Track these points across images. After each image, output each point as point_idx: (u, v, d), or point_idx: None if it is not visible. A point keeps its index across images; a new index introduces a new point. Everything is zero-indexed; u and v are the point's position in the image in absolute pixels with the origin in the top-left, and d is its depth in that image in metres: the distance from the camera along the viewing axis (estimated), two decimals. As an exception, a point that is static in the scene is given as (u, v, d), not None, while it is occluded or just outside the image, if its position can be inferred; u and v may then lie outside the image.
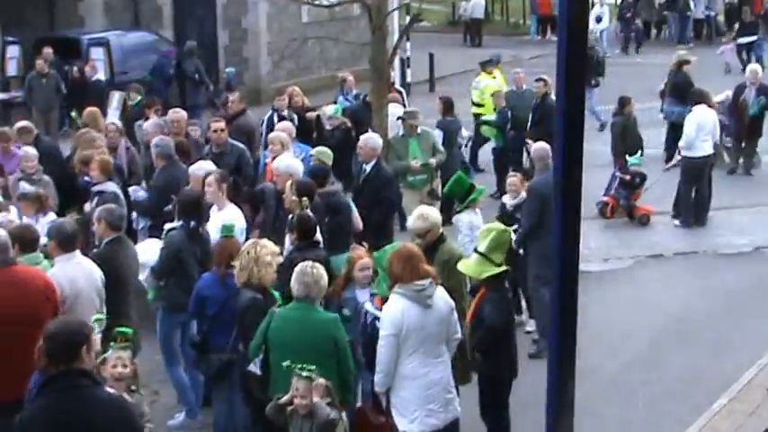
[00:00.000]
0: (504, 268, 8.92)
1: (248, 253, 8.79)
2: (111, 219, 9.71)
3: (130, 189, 12.77)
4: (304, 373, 7.53)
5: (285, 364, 7.75)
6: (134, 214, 12.67)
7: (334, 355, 8.13)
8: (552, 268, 4.47)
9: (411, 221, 9.78)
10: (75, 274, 8.73)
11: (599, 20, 36.27)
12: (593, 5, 36.28)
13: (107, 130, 14.26)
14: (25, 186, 12.20)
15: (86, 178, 12.64)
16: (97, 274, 8.99)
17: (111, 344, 7.42)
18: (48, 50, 23.69)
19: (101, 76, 23.80)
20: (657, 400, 10.81)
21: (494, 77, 20.71)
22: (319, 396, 7.59)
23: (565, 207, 4.43)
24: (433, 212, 9.95)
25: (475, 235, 11.83)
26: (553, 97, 17.95)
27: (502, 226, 9.37)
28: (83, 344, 5.95)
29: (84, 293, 8.73)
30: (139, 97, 18.17)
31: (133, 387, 7.45)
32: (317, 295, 8.23)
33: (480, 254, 8.84)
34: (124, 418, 6.03)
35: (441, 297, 8.19)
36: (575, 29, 4.31)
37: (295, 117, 16.15)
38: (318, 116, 16.28)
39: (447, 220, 14.70)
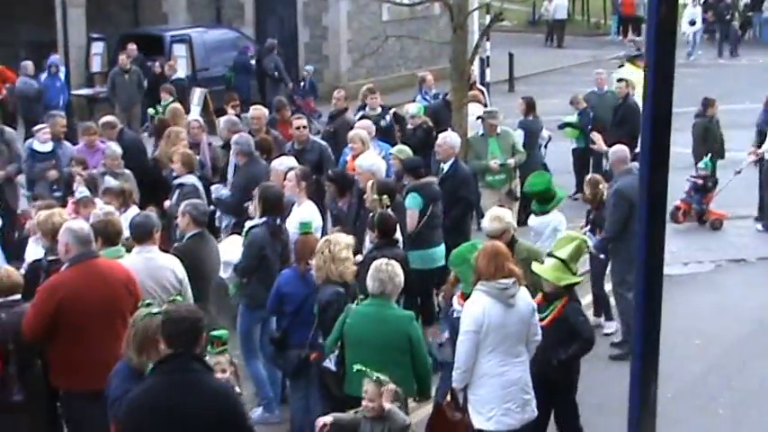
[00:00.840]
0: (581, 278, 8.94)
1: (323, 252, 8.81)
2: (195, 213, 9.80)
3: (213, 187, 12.85)
4: (374, 377, 7.52)
5: (356, 367, 7.74)
6: (217, 212, 12.73)
7: (408, 351, 8.15)
8: (636, 272, 4.43)
9: (486, 223, 9.74)
10: (138, 267, 8.72)
11: (692, 23, 35.88)
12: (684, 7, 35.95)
13: (190, 127, 14.39)
14: (110, 180, 12.36)
15: (172, 174, 12.78)
16: (170, 269, 9.01)
17: (208, 349, 7.45)
18: (131, 47, 24.02)
19: (181, 73, 24.01)
20: (738, 406, 10.67)
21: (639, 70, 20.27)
22: (390, 401, 7.57)
23: (650, 211, 4.38)
24: (507, 214, 9.92)
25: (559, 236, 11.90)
26: (635, 98, 17.81)
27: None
28: (203, 331, 6.33)
29: (146, 286, 8.68)
30: (171, 98, 18.21)
31: (238, 390, 7.49)
32: (391, 292, 8.25)
33: (560, 260, 8.82)
34: (231, 405, 6.31)
35: (523, 298, 8.16)
36: (664, 30, 4.25)
37: (388, 117, 16.18)
38: (399, 114, 16.28)
39: (525, 221, 14.69)
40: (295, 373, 9.31)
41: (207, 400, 6.16)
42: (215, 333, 7.69)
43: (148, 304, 7.22)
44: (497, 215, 9.67)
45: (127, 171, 13.02)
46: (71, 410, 8.20)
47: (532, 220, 12.21)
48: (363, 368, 7.57)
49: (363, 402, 7.56)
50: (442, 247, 11.74)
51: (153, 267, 8.86)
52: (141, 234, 9.04)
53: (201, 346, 6.43)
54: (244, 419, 6.48)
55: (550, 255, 8.93)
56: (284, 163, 11.91)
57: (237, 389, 7.47)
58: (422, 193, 11.52)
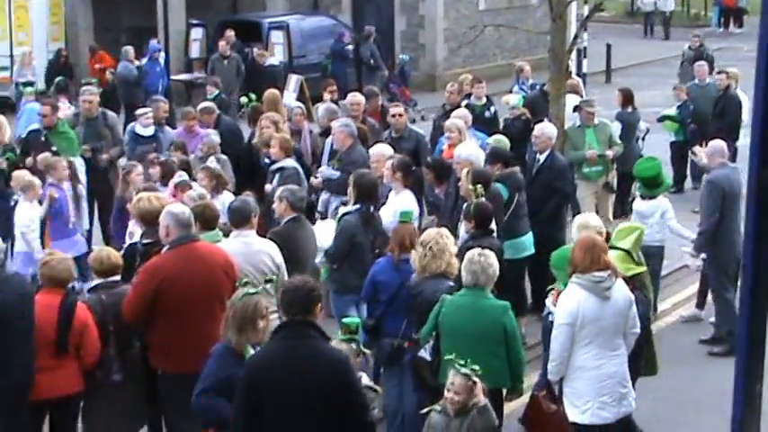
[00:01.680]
0: (644, 268, 8.95)
1: (437, 242, 8.75)
2: (292, 199, 9.86)
3: (321, 168, 12.89)
4: (463, 370, 7.44)
5: (447, 357, 7.73)
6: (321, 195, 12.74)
7: (502, 341, 8.14)
8: (743, 271, 4.36)
9: (574, 233, 9.54)
10: (235, 251, 8.78)
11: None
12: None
13: (292, 114, 14.44)
14: (212, 160, 12.45)
15: (266, 160, 12.86)
16: (267, 254, 9.06)
17: (338, 334, 7.50)
18: (230, 33, 24.23)
19: (274, 61, 24.12)
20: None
21: None
22: (483, 396, 7.51)
23: (759, 209, 4.31)
24: (593, 219, 9.74)
25: (667, 220, 11.97)
26: (736, 90, 17.52)
27: (643, 226, 9.38)
28: (319, 301, 6.57)
29: (244, 270, 8.68)
30: (217, 91, 18.29)
31: (369, 384, 7.52)
32: (485, 282, 8.22)
33: (624, 251, 8.75)
34: (345, 372, 6.53)
35: (620, 290, 8.08)
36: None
37: (493, 108, 16.07)
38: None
39: (621, 214, 14.54)
40: (388, 361, 9.32)
41: (323, 366, 6.42)
42: (346, 320, 7.72)
43: (246, 284, 7.30)
44: (584, 223, 9.40)
45: (223, 157, 13.13)
46: (168, 391, 8.31)
47: (639, 203, 12.27)
48: (455, 359, 7.55)
49: (448, 394, 7.45)
50: (530, 236, 11.71)
51: (250, 252, 8.93)
52: (239, 219, 9.13)
53: (316, 315, 6.60)
54: (357, 389, 6.65)
55: (613, 247, 8.80)
56: (383, 152, 11.93)
57: (366, 380, 7.49)
58: (506, 182, 11.45)
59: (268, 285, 7.89)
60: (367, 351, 7.76)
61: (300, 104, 15.25)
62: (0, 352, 7.78)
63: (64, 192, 12.45)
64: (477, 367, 7.43)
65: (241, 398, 6.48)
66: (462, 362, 7.44)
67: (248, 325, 6.96)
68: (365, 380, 7.54)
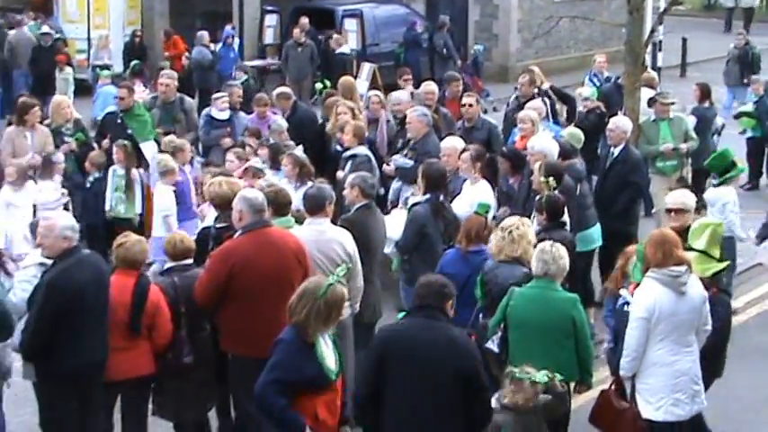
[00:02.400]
0: (727, 263, 8.81)
1: (518, 228, 8.71)
2: (364, 186, 9.84)
3: (395, 156, 12.88)
4: (528, 379, 7.37)
5: (509, 369, 7.64)
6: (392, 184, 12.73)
7: (571, 334, 8.05)
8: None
9: (672, 199, 9.56)
10: (308, 239, 8.80)
11: None
12: None
13: (370, 102, 14.43)
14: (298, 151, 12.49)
15: (338, 147, 12.87)
16: (339, 243, 9.05)
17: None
18: (304, 20, 24.29)
19: (345, 49, 24.14)
20: None
21: None
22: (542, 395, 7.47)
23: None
24: (691, 198, 9.79)
25: (727, 212, 11.80)
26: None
27: (716, 220, 9.24)
28: (451, 297, 7.16)
29: (314, 258, 8.77)
30: (246, 76, 18.27)
31: None
32: (555, 273, 8.14)
33: (699, 251, 8.62)
34: (474, 356, 7.11)
35: (694, 285, 7.99)
36: None
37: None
38: (571, 97, 16.04)
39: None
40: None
41: (454, 347, 6.98)
42: (400, 316, 7.69)
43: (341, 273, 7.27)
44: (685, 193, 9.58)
45: (291, 143, 13.15)
46: (237, 375, 8.37)
47: (708, 192, 12.33)
48: (515, 370, 7.50)
49: (513, 397, 7.41)
50: (598, 228, 11.63)
51: (322, 240, 8.93)
52: (314, 206, 9.12)
53: (448, 310, 7.11)
54: (482, 374, 7.06)
55: (689, 249, 8.66)
56: (455, 142, 11.89)
57: None
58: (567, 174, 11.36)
59: (342, 274, 7.88)
60: None
61: (378, 93, 15.22)
62: (75, 331, 7.87)
63: (186, 174, 12.60)
64: (538, 377, 7.39)
65: (370, 367, 7.10)
66: (527, 372, 7.39)
67: (334, 315, 6.98)
68: None
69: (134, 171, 13.08)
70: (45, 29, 23.14)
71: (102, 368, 8.10)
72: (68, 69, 21.36)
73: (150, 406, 8.72)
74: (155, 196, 12.30)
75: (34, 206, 12.42)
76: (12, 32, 24.00)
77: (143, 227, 12.74)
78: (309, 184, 10.68)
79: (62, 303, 7.80)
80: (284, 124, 13.46)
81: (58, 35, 23.39)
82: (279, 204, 8.97)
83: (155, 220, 12.24)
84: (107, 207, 13.12)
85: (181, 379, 8.47)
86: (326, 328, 6.98)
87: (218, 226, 9.14)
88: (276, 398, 6.81)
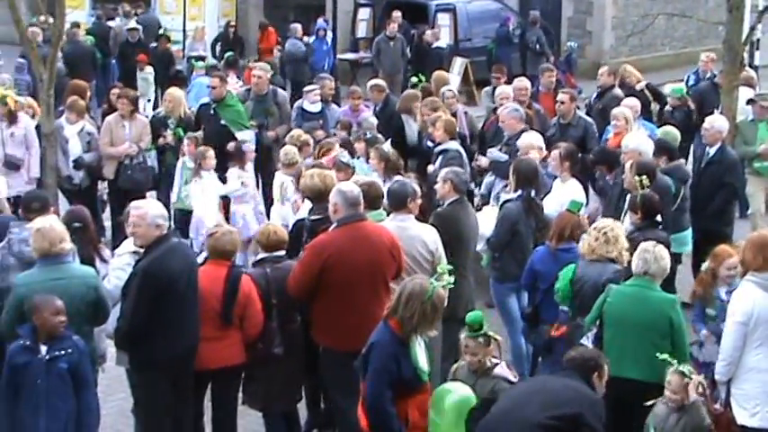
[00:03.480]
0: None
1: (612, 229, 8.67)
2: (457, 180, 9.80)
3: (490, 150, 12.83)
4: (679, 368, 7.39)
5: (662, 357, 7.53)
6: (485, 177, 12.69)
7: (668, 335, 7.97)
8: None
9: None
10: (399, 236, 8.73)
11: None
12: None
13: (444, 97, 14.42)
14: (387, 146, 12.48)
15: (428, 143, 12.84)
16: (421, 240, 9.00)
17: (467, 332, 7.49)
18: (397, 14, 24.30)
19: (442, 43, 24.14)
20: None
21: None
22: (696, 393, 7.41)
23: None
24: None
25: None
26: None
27: None
28: (596, 370, 6.78)
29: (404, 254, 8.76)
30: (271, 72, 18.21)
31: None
32: (655, 273, 8.08)
33: None
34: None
35: None
36: None
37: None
38: (665, 96, 15.84)
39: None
40: (546, 348, 9.25)
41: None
42: (469, 317, 7.67)
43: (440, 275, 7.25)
44: None
45: (380, 137, 13.15)
46: (329, 367, 8.40)
47: None
48: (668, 358, 7.43)
49: (667, 393, 7.44)
50: (690, 232, 11.51)
51: (405, 237, 8.87)
52: (396, 202, 9.12)
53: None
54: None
55: None
56: (536, 141, 11.80)
57: (502, 369, 7.50)
58: (674, 175, 11.21)
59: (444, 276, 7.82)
60: (498, 338, 7.73)
61: (452, 87, 15.17)
62: (168, 319, 7.96)
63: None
64: (690, 368, 7.38)
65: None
66: (675, 360, 7.38)
67: (438, 317, 6.98)
68: (502, 368, 7.54)
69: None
70: (131, 24, 23.34)
71: (192, 356, 8.19)
72: (148, 69, 21.45)
73: (240, 395, 8.80)
74: (275, 182, 12.32)
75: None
76: (114, 22, 24.42)
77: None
78: (397, 178, 10.70)
79: (156, 291, 7.89)
80: (374, 121, 13.47)
81: (161, 30, 23.60)
82: (371, 198, 8.97)
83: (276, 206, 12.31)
84: (173, 198, 13.26)
85: (270, 369, 8.52)
86: (430, 329, 6.98)
87: (312, 218, 9.16)
88: (391, 407, 6.84)
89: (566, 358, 6.87)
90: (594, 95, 15.49)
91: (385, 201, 9.42)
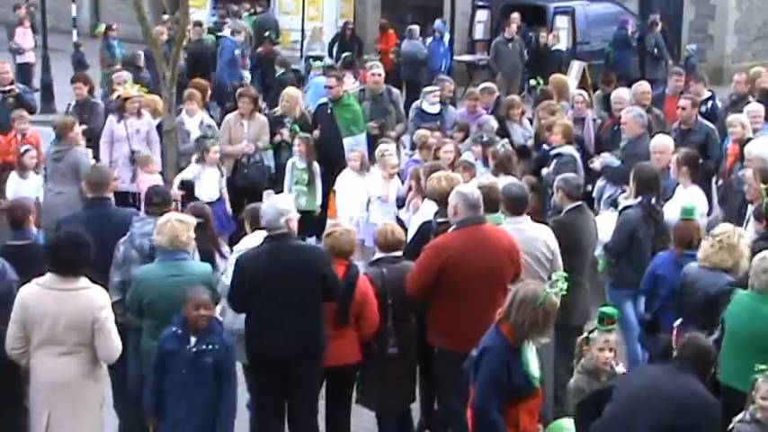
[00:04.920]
0: None
1: (729, 237, 8.47)
2: (567, 188, 9.72)
3: (603, 154, 12.69)
4: None
5: (761, 367, 7.31)
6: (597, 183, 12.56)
7: None
8: None
9: None
10: (516, 239, 8.70)
11: None
12: None
13: (574, 101, 14.28)
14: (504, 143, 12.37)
15: (545, 146, 12.75)
16: (542, 240, 8.96)
17: (597, 325, 7.42)
18: (515, 16, 24.18)
19: (560, 46, 23.98)
20: None
21: None
22: None
23: None
24: None
25: None
26: None
27: None
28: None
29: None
30: (283, 69, 18.01)
31: None
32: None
33: None
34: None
35: None
36: None
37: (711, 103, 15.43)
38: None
39: None
40: (664, 355, 9.08)
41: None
42: (605, 310, 7.61)
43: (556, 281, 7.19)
44: None
45: (497, 138, 13.07)
46: (443, 369, 8.39)
47: None
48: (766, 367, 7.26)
49: (759, 401, 7.18)
50: None
51: (525, 239, 8.81)
52: (515, 205, 9.06)
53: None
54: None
55: None
56: (665, 143, 11.60)
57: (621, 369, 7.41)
58: None
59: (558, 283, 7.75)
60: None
61: (582, 92, 15.03)
62: (262, 317, 8.15)
63: None
64: None
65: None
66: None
67: (550, 324, 6.92)
68: (619, 369, 7.44)
69: (314, 164, 13.24)
70: (226, 32, 23.13)
71: (300, 356, 8.18)
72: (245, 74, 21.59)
73: (354, 394, 8.83)
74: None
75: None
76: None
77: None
78: (509, 179, 10.64)
79: (247, 284, 8.09)
80: (494, 124, 13.41)
81: (267, 31, 23.81)
82: (490, 200, 8.91)
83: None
84: None
85: (385, 369, 8.54)
86: (541, 336, 6.93)
87: (438, 221, 9.11)
88: (498, 415, 6.80)
89: (679, 346, 6.78)
90: (728, 102, 15.12)
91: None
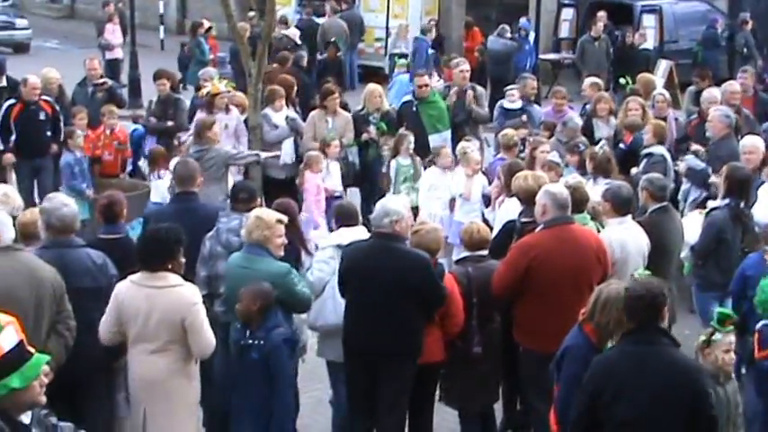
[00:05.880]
0: None
1: None
2: (651, 188, 9.65)
3: (686, 157, 12.54)
4: None
5: None
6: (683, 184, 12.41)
7: None
8: None
9: None
10: (625, 239, 8.81)
11: None
12: None
13: (655, 101, 14.14)
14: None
15: (621, 145, 12.59)
16: (644, 241, 9.00)
17: (717, 326, 7.30)
18: (601, 14, 23.97)
19: (647, 45, 23.72)
20: None
21: None
22: None
23: None
24: None
25: None
26: None
27: None
28: (663, 306, 6.33)
29: (632, 259, 8.78)
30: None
31: None
32: None
33: None
34: (700, 385, 6.32)
35: None
36: None
37: None
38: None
39: None
40: (751, 358, 8.96)
41: (677, 376, 6.23)
42: (724, 311, 7.48)
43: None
44: None
45: (583, 139, 12.95)
46: (528, 369, 8.38)
47: None
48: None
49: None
50: None
51: (636, 239, 8.89)
52: (622, 206, 9.04)
53: (663, 320, 6.42)
54: (707, 405, 6.34)
55: None
56: (756, 144, 11.42)
57: None
58: None
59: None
60: None
61: (664, 91, 14.87)
62: (354, 311, 8.26)
63: None
64: None
65: (582, 400, 6.45)
66: None
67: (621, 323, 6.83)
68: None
69: (417, 159, 13.22)
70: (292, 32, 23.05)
71: (390, 356, 8.20)
72: None
73: (437, 392, 8.82)
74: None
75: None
76: (323, 20, 24.90)
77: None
78: (608, 180, 10.54)
79: (343, 276, 8.25)
80: (579, 122, 13.31)
81: (333, 37, 23.85)
82: (577, 201, 8.86)
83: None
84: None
85: (469, 368, 8.51)
86: (616, 333, 6.81)
87: (523, 220, 9.08)
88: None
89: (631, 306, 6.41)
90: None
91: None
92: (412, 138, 13.34)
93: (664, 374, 6.21)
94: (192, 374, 7.73)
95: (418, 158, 13.28)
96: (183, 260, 7.66)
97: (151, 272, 7.51)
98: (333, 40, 23.08)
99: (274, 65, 16.80)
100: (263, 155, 12.95)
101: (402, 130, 13.57)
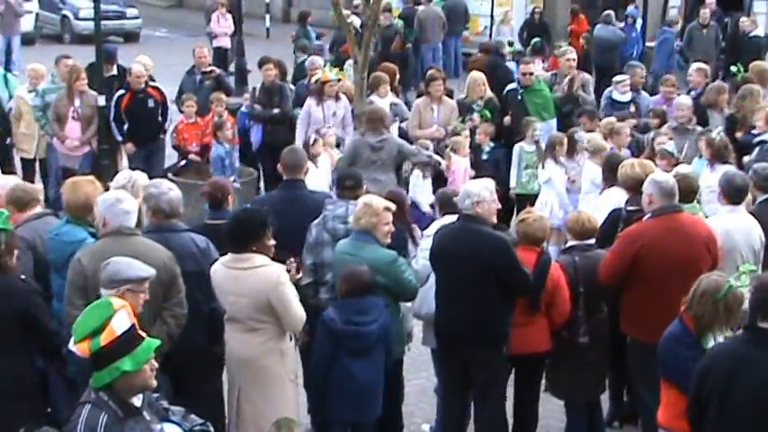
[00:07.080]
0: None
1: None
2: (755, 178, 9.34)
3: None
4: None
5: None
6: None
7: None
8: None
9: None
10: (731, 228, 8.64)
11: None
12: None
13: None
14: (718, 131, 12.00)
15: (753, 131, 12.35)
16: (757, 233, 8.80)
17: None
18: (710, 1, 23.53)
19: (759, 32, 23.20)
20: None
21: None
22: None
23: None
24: None
25: None
26: None
27: None
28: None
29: (739, 248, 8.61)
30: (305, 56, 17.49)
31: None
32: None
33: None
34: None
35: None
36: None
37: None
38: None
39: None
40: None
41: None
42: None
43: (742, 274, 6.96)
44: None
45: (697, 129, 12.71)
46: (635, 359, 8.29)
47: None
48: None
49: None
50: None
51: (743, 229, 8.73)
52: (736, 195, 8.89)
53: None
54: None
55: None
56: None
57: None
58: None
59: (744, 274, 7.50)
60: None
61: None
62: (442, 297, 8.35)
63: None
64: None
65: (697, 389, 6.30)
66: None
67: (735, 317, 6.64)
68: None
69: (542, 145, 13.08)
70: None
71: (475, 341, 8.17)
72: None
73: (543, 382, 8.79)
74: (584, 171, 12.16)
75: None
76: (420, 8, 24.91)
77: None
78: (726, 167, 10.33)
79: (431, 258, 8.30)
80: (688, 102, 13.06)
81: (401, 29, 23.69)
82: (686, 190, 8.71)
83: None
84: (512, 183, 13.29)
85: (575, 358, 8.45)
86: (722, 331, 6.66)
87: (629, 209, 8.97)
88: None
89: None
90: None
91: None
92: (538, 125, 13.26)
93: None
94: (285, 351, 7.80)
95: (543, 144, 13.08)
96: (272, 242, 7.71)
97: (237, 254, 7.62)
98: (399, 30, 22.87)
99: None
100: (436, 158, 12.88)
101: (528, 118, 13.47)
